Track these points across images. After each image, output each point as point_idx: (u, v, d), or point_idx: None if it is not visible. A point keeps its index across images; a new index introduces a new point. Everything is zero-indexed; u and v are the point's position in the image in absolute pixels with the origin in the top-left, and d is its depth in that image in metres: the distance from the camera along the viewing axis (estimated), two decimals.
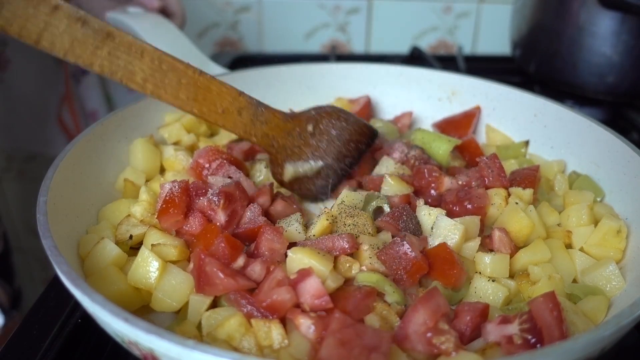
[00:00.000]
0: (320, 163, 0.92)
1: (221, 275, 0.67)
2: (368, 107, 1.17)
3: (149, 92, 0.76)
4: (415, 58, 1.69)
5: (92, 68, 0.72)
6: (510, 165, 0.99)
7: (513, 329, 0.61)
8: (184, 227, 0.79)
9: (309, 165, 0.92)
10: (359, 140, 0.94)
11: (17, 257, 2.02)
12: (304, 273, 0.67)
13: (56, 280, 0.79)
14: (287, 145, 0.91)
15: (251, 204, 0.83)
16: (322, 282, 0.66)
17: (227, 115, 0.83)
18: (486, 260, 0.75)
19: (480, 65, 1.73)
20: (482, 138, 1.12)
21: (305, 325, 0.62)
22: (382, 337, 0.60)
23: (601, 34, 1.30)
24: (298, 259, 0.71)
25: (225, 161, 0.91)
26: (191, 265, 0.73)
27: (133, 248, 0.79)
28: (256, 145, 0.91)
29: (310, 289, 0.65)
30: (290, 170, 0.92)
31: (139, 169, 0.94)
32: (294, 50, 1.84)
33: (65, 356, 0.71)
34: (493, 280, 0.74)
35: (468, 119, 1.11)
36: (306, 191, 0.95)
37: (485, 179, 0.87)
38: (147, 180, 0.93)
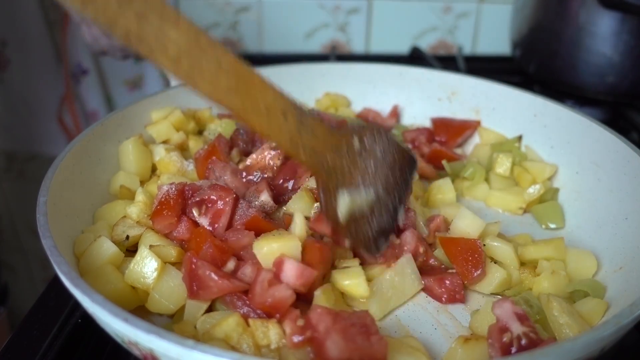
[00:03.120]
0: (372, 193, 0.73)
1: (215, 277, 0.66)
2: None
3: (182, 73, 0.60)
4: (415, 58, 1.69)
5: (116, 29, 0.56)
6: (507, 157, 1.00)
7: (517, 328, 0.61)
8: (173, 232, 0.79)
9: (363, 195, 0.72)
10: (402, 166, 0.76)
11: (17, 257, 2.02)
12: (278, 262, 0.67)
13: (56, 280, 0.79)
14: (337, 166, 0.71)
15: (240, 201, 0.79)
16: (297, 262, 0.66)
17: (271, 116, 0.65)
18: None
19: (480, 65, 1.73)
20: (475, 138, 1.13)
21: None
22: (365, 318, 0.61)
23: (601, 34, 1.30)
24: (266, 249, 0.69)
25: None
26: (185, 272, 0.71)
27: (129, 250, 0.79)
28: (304, 165, 0.72)
29: (291, 272, 0.66)
30: (346, 200, 0.71)
31: (131, 171, 0.93)
32: (294, 50, 1.84)
33: (65, 356, 0.71)
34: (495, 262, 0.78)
35: (463, 129, 1.11)
36: (363, 238, 0.73)
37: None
38: (141, 181, 0.92)
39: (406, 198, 0.78)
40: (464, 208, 0.83)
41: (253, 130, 0.68)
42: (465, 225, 0.80)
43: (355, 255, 0.77)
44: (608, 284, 0.75)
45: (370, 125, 0.76)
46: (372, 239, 0.74)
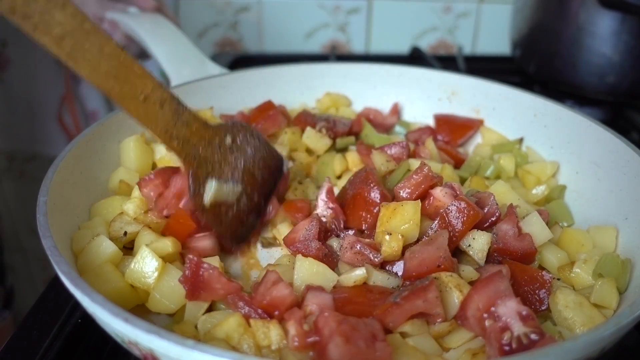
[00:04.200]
0: (240, 187, 0.80)
1: (223, 278, 0.67)
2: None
3: (64, 54, 0.62)
4: (415, 58, 1.69)
5: (1, 4, 0.59)
6: (509, 158, 1.00)
7: (518, 328, 0.61)
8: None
9: (230, 187, 0.79)
10: (271, 167, 0.84)
11: (17, 257, 2.02)
12: (321, 287, 0.69)
13: (56, 280, 0.79)
14: (208, 157, 0.78)
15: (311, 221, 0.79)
16: (332, 299, 0.66)
17: (148, 104, 0.70)
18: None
19: (480, 65, 1.73)
20: (477, 138, 1.13)
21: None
22: (373, 325, 0.60)
23: (601, 34, 1.30)
24: (308, 264, 0.72)
25: None
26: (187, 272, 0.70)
27: (126, 247, 0.79)
28: (176, 153, 0.76)
29: (319, 298, 0.66)
30: (213, 186, 0.78)
31: (131, 168, 0.93)
32: (294, 50, 1.84)
33: (65, 356, 0.71)
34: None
35: (466, 128, 1.11)
36: (226, 226, 0.80)
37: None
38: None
39: (273, 195, 0.87)
40: (535, 213, 0.80)
41: (129, 115, 0.71)
42: (532, 231, 0.78)
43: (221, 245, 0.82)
44: None
45: (244, 126, 0.83)
46: (236, 229, 0.82)
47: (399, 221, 0.75)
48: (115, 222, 0.80)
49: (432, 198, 0.79)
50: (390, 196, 0.82)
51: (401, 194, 0.80)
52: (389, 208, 0.77)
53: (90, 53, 0.64)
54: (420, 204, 0.76)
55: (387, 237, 0.73)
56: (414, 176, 0.80)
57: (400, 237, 0.73)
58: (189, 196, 0.77)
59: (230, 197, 0.79)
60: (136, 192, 0.84)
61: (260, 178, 0.83)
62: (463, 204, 0.74)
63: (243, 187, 0.80)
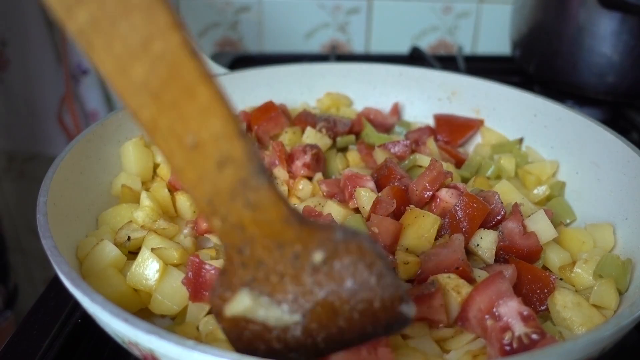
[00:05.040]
0: (297, 318, 0.52)
1: None
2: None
3: (75, 27, 0.38)
4: (415, 58, 1.69)
5: None
6: (509, 159, 1.00)
7: (519, 329, 0.61)
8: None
9: (278, 313, 0.52)
10: (377, 319, 0.53)
11: (17, 257, 2.02)
12: None
13: (56, 280, 0.79)
14: (264, 261, 0.50)
15: None
16: None
17: (197, 156, 0.42)
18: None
19: (480, 65, 1.73)
20: (477, 138, 1.13)
21: None
22: None
23: (601, 34, 1.30)
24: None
25: None
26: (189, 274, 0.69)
27: (132, 253, 0.78)
28: (215, 233, 0.51)
29: None
30: (244, 302, 0.52)
31: (132, 172, 0.92)
32: (294, 50, 1.84)
33: (65, 356, 0.71)
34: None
35: (466, 129, 1.10)
36: (250, 346, 0.54)
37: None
38: (143, 182, 0.92)
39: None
40: (541, 211, 0.81)
41: (161, 153, 0.45)
42: (537, 229, 0.78)
43: None
44: None
45: (364, 248, 0.50)
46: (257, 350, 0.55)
47: (415, 231, 0.75)
48: (122, 230, 0.79)
49: (438, 200, 0.79)
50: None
51: (417, 192, 0.80)
52: (412, 213, 0.76)
53: (124, 43, 0.37)
54: (439, 222, 0.75)
55: (404, 264, 0.71)
56: (427, 172, 0.80)
57: (418, 261, 0.72)
58: (209, 294, 0.54)
59: (270, 321, 0.53)
60: (146, 202, 0.83)
61: (345, 323, 0.53)
62: (469, 199, 0.75)
63: (303, 321, 0.52)
